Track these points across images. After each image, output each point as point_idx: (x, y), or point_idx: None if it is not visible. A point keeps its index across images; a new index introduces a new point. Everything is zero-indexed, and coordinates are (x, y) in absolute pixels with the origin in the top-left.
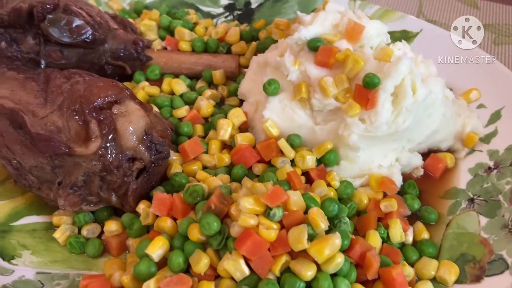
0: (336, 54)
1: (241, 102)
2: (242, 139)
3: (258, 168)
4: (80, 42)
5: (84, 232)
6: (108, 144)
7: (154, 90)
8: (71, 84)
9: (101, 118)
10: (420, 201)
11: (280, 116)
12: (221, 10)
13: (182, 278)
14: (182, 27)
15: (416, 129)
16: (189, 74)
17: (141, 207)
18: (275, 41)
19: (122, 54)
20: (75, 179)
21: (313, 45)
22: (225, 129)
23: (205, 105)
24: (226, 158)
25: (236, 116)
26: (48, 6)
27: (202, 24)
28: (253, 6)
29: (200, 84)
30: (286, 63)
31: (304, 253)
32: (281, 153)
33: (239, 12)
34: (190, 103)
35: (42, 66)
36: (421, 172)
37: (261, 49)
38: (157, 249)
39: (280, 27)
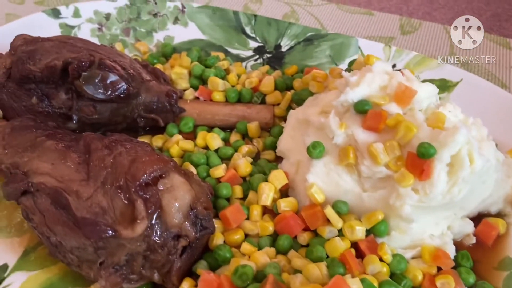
0: (386, 119)
1: (277, 156)
2: (286, 205)
3: (303, 238)
4: (114, 97)
5: None
6: (153, 223)
7: (188, 145)
8: (114, 157)
9: (147, 196)
10: (474, 274)
11: (324, 180)
12: (250, 53)
13: None
14: (215, 77)
15: (470, 197)
16: (223, 126)
17: (185, 286)
18: (312, 93)
19: (155, 107)
20: (117, 260)
21: (361, 109)
22: (267, 193)
23: (244, 164)
24: (270, 227)
25: (278, 178)
26: (83, 63)
27: (234, 72)
28: (284, 49)
29: (234, 136)
30: (331, 126)
31: None
32: (328, 221)
33: (269, 55)
34: (226, 158)
35: (74, 121)
36: (473, 240)
37: (296, 100)
38: None
39: (318, 79)
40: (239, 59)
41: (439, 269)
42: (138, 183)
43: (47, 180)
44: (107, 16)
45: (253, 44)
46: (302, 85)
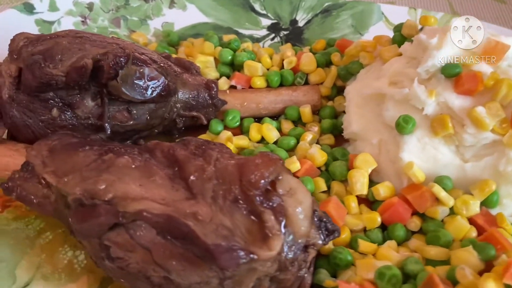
0: (483, 80)
1: (337, 140)
2: (384, 191)
3: (414, 224)
4: (155, 97)
5: None
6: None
7: (243, 141)
8: (215, 165)
9: (273, 205)
10: None
11: (420, 156)
12: (264, 32)
13: None
14: (252, 61)
15: None
16: (269, 114)
17: None
18: (362, 66)
19: (194, 103)
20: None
21: (451, 72)
22: (361, 181)
23: (318, 153)
24: (377, 218)
25: (366, 163)
26: (122, 59)
27: (263, 53)
28: (300, 24)
29: (285, 124)
30: (420, 95)
31: None
32: (436, 200)
33: (285, 33)
34: (289, 150)
35: (108, 132)
36: None
37: (343, 76)
38: None
39: (368, 49)
40: (253, 40)
41: None
42: (258, 191)
43: (148, 206)
44: (90, 6)
45: (265, 22)
46: (346, 59)
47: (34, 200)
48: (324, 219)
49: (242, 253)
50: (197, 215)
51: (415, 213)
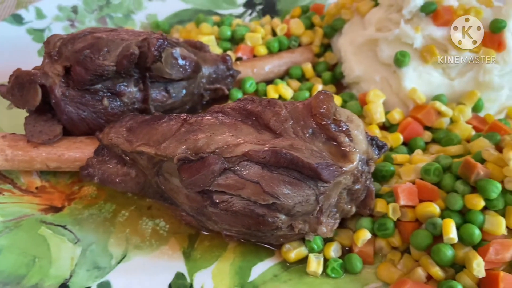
0: (455, 11)
1: (337, 88)
2: (399, 115)
3: (427, 135)
4: (190, 73)
5: (332, 253)
6: None
7: None
8: (286, 108)
9: (343, 129)
10: None
11: (418, 82)
12: (241, 9)
13: (505, 242)
14: (253, 33)
15: None
16: (275, 77)
17: (380, 206)
18: (344, 22)
19: (215, 76)
20: (332, 201)
21: (429, 9)
22: (379, 111)
23: (334, 97)
24: (400, 136)
25: (377, 96)
26: (163, 42)
27: (256, 26)
28: None
29: (292, 83)
30: (408, 32)
31: None
32: (438, 114)
33: (260, 7)
34: None
35: (153, 112)
36: None
37: (329, 33)
38: (452, 230)
39: (347, 6)
40: (234, 18)
41: None
42: (330, 120)
43: (251, 147)
44: (74, 9)
45: (240, 0)
46: (328, 18)
47: (117, 179)
48: (374, 138)
49: (336, 167)
50: (293, 145)
51: (424, 128)
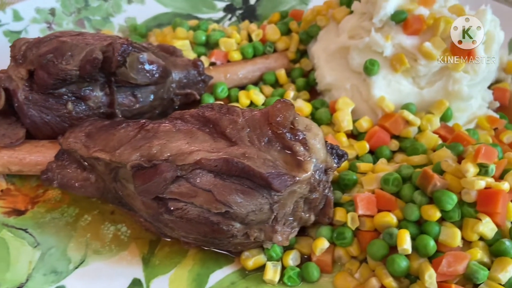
0: (425, 20)
1: (311, 94)
2: (366, 123)
3: (394, 144)
4: (157, 78)
5: (290, 261)
6: None
7: None
8: (243, 116)
9: (299, 138)
10: None
11: (387, 91)
12: (221, 14)
13: (459, 254)
14: (227, 38)
15: (493, 68)
16: (249, 83)
17: (339, 215)
18: (320, 28)
19: (186, 81)
20: (287, 210)
21: (400, 18)
22: (347, 119)
23: (304, 104)
24: (366, 145)
25: (346, 104)
26: (130, 47)
27: (232, 31)
28: (252, 2)
29: (265, 88)
30: (378, 41)
31: None
32: (406, 123)
33: (240, 12)
34: None
35: (120, 117)
36: (497, 104)
37: (304, 39)
38: (406, 241)
39: (322, 13)
40: (212, 22)
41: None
42: (286, 129)
43: (204, 155)
44: (52, 12)
45: (221, 5)
46: (304, 24)
47: (76, 184)
48: (334, 147)
49: (288, 177)
50: (245, 154)
51: (391, 137)
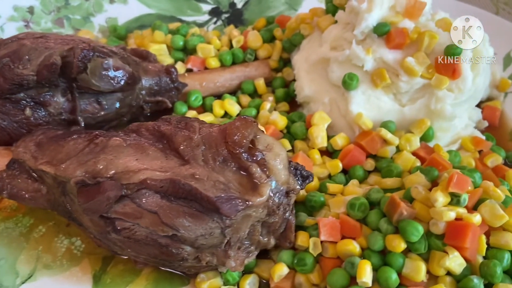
0: (408, 34)
1: (291, 106)
2: (341, 141)
3: (370, 164)
4: (123, 86)
5: (247, 287)
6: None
7: (209, 117)
8: (199, 133)
9: (257, 159)
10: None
11: (366, 107)
12: (206, 17)
13: None
14: (205, 44)
15: (481, 86)
16: (226, 91)
17: (301, 239)
18: (303, 37)
19: (157, 88)
20: (242, 234)
21: (382, 31)
22: (321, 136)
23: (279, 117)
24: (339, 164)
25: (322, 119)
26: (90, 53)
27: (213, 36)
28: (239, 6)
29: (243, 98)
30: (359, 54)
31: (498, 228)
32: (384, 142)
33: (226, 15)
34: None
35: (82, 125)
36: (486, 123)
37: (288, 48)
38: (366, 273)
39: (307, 21)
40: (197, 25)
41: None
42: (243, 149)
43: (150, 175)
44: (31, 10)
45: (206, 8)
46: (288, 32)
47: (26, 195)
48: (299, 168)
49: (239, 201)
50: (195, 175)
51: (368, 155)
